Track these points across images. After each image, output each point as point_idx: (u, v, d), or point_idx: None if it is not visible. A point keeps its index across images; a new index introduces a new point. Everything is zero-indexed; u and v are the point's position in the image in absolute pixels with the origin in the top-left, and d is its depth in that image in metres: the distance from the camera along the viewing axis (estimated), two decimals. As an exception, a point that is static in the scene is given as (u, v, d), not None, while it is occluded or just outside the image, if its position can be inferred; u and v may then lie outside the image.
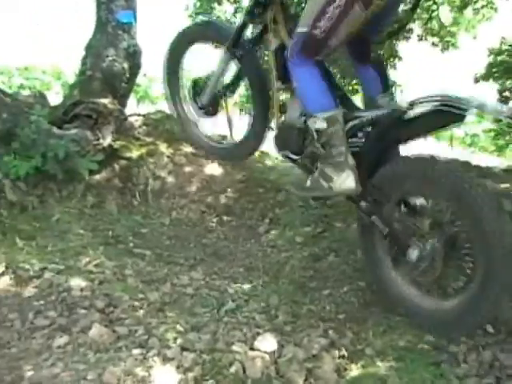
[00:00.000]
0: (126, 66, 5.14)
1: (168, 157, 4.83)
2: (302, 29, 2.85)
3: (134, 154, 4.70)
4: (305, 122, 3.10)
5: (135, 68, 5.35)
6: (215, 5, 11.61)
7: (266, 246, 3.91)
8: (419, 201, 2.91)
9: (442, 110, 2.60)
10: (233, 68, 3.70)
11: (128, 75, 5.21)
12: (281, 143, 3.31)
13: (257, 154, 4.76)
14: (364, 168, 2.91)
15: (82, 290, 3.00)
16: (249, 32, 3.72)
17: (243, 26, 3.51)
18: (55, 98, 5.78)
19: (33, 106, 4.54)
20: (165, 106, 5.09)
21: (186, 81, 4.04)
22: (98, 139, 4.67)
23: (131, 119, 5.45)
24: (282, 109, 3.35)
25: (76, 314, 2.77)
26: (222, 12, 12.95)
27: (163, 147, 4.93)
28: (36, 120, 4.28)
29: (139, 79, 7.56)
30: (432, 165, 2.73)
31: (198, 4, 12.45)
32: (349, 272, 3.44)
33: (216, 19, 3.90)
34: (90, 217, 4.23)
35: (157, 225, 4.33)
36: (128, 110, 5.66)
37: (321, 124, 2.83)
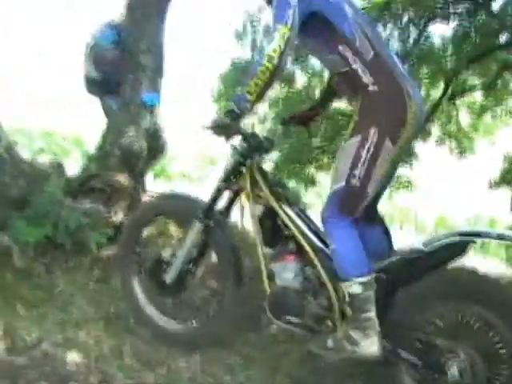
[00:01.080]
0: (144, 145, 5.20)
1: (178, 238, 4.84)
2: (337, 184, 2.86)
3: (145, 231, 4.72)
4: (302, 282, 3.10)
5: (158, 150, 5.45)
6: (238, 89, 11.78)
7: (267, 337, 3.87)
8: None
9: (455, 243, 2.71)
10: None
11: (147, 154, 5.27)
12: (279, 310, 3.16)
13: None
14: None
15: (77, 364, 2.97)
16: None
17: (218, 194, 3.42)
18: (74, 165, 5.85)
19: (49, 175, 4.61)
20: (180, 186, 5.12)
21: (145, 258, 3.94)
22: (109, 214, 4.72)
23: (145, 197, 5.50)
24: (271, 276, 3.23)
25: (68, 388, 2.74)
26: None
27: (173, 227, 4.95)
28: (51, 191, 4.35)
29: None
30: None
31: (222, 88, 12.69)
32: (348, 370, 3.39)
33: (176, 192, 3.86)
34: (95, 291, 4.22)
35: (159, 305, 4.27)
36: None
37: (356, 288, 2.78)
